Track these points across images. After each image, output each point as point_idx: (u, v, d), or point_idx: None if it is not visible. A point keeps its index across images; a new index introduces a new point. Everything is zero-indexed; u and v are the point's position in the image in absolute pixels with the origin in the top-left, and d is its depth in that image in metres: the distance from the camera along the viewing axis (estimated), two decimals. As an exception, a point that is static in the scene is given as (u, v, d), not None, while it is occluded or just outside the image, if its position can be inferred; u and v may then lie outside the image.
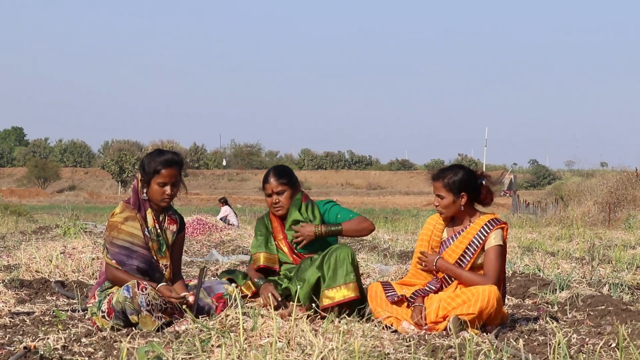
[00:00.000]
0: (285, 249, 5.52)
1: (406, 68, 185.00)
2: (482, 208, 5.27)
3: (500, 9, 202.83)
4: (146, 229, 5.02)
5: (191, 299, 4.88)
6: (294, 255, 5.50)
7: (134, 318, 4.76)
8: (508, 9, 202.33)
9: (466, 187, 5.10)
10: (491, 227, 5.07)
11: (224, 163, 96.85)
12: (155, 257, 5.03)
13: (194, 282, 5.24)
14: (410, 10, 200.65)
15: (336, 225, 5.44)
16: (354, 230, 5.47)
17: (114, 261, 4.95)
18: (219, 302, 5.01)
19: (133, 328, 4.75)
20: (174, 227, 5.17)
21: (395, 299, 5.06)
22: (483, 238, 5.06)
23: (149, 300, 4.76)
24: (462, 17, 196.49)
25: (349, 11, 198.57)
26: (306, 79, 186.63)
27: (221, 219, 19.91)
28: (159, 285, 4.89)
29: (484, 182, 5.22)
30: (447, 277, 5.14)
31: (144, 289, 4.78)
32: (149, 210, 5.07)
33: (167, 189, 5.03)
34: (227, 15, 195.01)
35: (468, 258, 5.08)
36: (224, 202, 21.04)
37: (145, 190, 5.05)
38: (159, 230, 5.07)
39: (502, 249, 5.09)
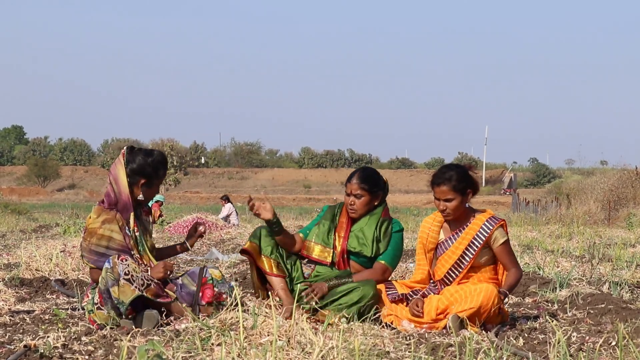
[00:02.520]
0: (338, 249, 5.36)
1: (406, 67, 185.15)
2: (473, 205, 5.28)
3: (500, 9, 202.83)
4: (127, 229, 5.01)
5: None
6: (342, 259, 5.34)
7: (114, 291, 4.72)
8: (508, 8, 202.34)
9: (470, 183, 5.11)
10: (492, 225, 5.08)
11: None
12: (138, 254, 5.03)
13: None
14: (410, 9, 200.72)
15: (349, 279, 5.18)
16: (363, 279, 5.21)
17: (91, 264, 4.97)
18: (203, 287, 5.00)
19: (133, 326, 4.74)
20: (149, 218, 5.22)
21: (396, 297, 5.06)
22: (485, 236, 5.06)
23: (127, 271, 4.75)
24: (462, 16, 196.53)
25: (348, 10, 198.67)
26: (306, 77, 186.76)
27: (225, 216, 19.87)
28: (149, 272, 4.91)
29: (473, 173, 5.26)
30: (446, 279, 5.13)
31: (124, 260, 4.78)
32: (131, 213, 5.05)
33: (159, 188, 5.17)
34: (227, 14, 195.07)
35: (469, 257, 5.08)
36: (226, 199, 20.97)
37: (140, 192, 5.05)
38: (137, 234, 5.06)
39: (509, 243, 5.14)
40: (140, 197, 5.06)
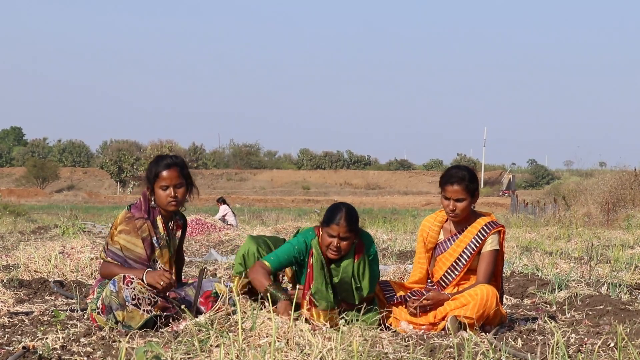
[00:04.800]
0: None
1: (405, 68, 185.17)
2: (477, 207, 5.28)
3: (500, 9, 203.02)
4: (153, 238, 5.02)
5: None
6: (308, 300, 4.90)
7: (119, 314, 4.70)
8: (508, 8, 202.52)
9: (478, 184, 5.12)
10: (488, 231, 5.06)
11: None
12: (159, 264, 5.03)
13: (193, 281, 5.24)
14: (409, 9, 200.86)
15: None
16: None
17: (109, 258, 5.00)
18: (207, 300, 5.00)
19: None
20: (179, 233, 5.22)
21: (394, 301, 5.06)
22: (480, 242, 5.05)
23: (134, 295, 4.73)
24: (461, 16, 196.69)
25: (347, 11, 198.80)
26: (305, 78, 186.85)
27: (221, 217, 19.89)
28: (145, 273, 4.84)
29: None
30: (443, 280, 5.13)
31: (129, 284, 4.74)
32: (159, 217, 5.07)
33: (171, 191, 5.03)
34: (226, 14, 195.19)
35: (463, 262, 5.07)
36: (222, 201, 21.01)
37: (152, 198, 5.06)
38: (167, 237, 5.07)
39: (498, 253, 5.08)
40: (153, 204, 5.06)
